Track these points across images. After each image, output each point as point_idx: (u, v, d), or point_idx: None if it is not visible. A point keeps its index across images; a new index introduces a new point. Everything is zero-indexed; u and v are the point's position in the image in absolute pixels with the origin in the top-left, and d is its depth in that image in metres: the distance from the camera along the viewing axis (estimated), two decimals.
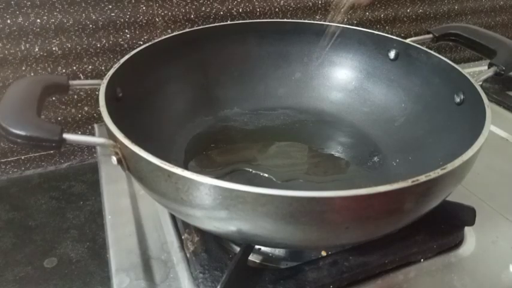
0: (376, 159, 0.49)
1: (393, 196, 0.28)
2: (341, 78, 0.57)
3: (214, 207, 0.29)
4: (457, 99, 0.44)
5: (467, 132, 0.38)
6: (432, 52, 0.48)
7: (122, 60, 0.43)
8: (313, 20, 0.70)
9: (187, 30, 0.54)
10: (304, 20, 0.70)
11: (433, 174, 0.29)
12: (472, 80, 0.42)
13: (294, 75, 0.58)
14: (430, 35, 0.54)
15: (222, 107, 0.56)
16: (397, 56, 0.52)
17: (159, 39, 0.50)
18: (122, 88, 0.42)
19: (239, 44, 0.56)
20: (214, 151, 0.50)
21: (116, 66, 0.42)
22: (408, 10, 0.78)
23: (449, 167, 0.30)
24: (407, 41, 0.51)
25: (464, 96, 0.43)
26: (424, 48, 0.49)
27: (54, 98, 0.59)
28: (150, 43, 0.48)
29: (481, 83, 0.43)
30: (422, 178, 0.28)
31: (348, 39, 0.56)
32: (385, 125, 0.52)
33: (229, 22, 0.64)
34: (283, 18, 0.69)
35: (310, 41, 0.57)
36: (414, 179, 0.28)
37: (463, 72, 0.44)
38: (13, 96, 0.36)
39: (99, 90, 0.38)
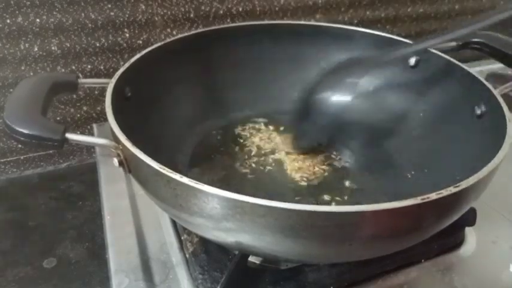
0: (390, 170, 0.47)
1: (400, 214, 0.27)
2: (358, 84, 0.55)
3: (212, 216, 0.28)
4: (478, 111, 0.41)
5: (487, 146, 0.36)
6: (454, 61, 0.46)
7: (132, 60, 0.43)
8: (314, 20, 0.71)
9: (200, 30, 0.53)
10: (303, 19, 0.70)
11: (444, 192, 0.27)
12: (495, 92, 0.39)
13: (310, 79, 0.56)
14: (454, 43, 0.51)
15: (233, 109, 0.55)
16: (417, 63, 0.50)
17: (172, 39, 0.49)
18: (131, 88, 0.41)
19: (254, 45, 0.55)
20: (223, 155, 0.49)
21: (126, 65, 0.42)
22: (409, 10, 0.78)
23: (463, 184, 0.27)
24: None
25: (486, 108, 0.41)
26: (445, 56, 0.47)
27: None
28: (161, 43, 0.47)
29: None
30: (433, 196, 0.26)
31: (366, 44, 0.54)
32: (402, 134, 0.50)
33: (244, 23, 0.63)
34: (283, 18, 0.69)
35: (328, 44, 0.55)
36: (424, 196, 0.26)
37: (486, 84, 0.41)
38: (20, 94, 0.36)
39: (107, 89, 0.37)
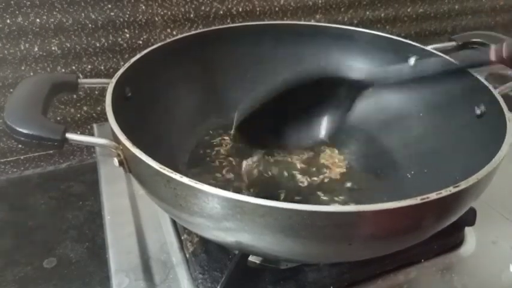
0: (390, 170, 0.47)
1: (399, 214, 0.27)
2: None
3: (212, 215, 0.28)
4: (478, 111, 0.41)
5: (487, 146, 0.36)
6: (454, 61, 0.45)
7: (133, 60, 0.43)
8: (314, 20, 0.71)
9: (200, 30, 0.53)
10: (303, 19, 0.70)
11: (444, 192, 0.27)
12: (495, 92, 0.39)
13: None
14: (453, 43, 0.51)
15: (233, 109, 0.55)
16: (417, 62, 0.49)
17: (172, 39, 0.49)
18: (131, 88, 0.41)
19: (253, 45, 0.55)
20: (223, 155, 0.49)
21: (126, 65, 0.42)
22: (409, 10, 0.78)
23: (463, 184, 0.28)
24: (428, 48, 0.49)
25: (486, 108, 0.40)
26: (445, 56, 0.47)
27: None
28: (161, 43, 0.47)
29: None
30: (433, 196, 0.26)
31: (366, 44, 0.54)
32: (402, 134, 0.50)
33: (244, 23, 0.63)
34: (283, 18, 0.69)
35: (328, 44, 0.55)
36: (424, 196, 0.26)
37: (486, 84, 0.41)
38: (20, 94, 0.36)
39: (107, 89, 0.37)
